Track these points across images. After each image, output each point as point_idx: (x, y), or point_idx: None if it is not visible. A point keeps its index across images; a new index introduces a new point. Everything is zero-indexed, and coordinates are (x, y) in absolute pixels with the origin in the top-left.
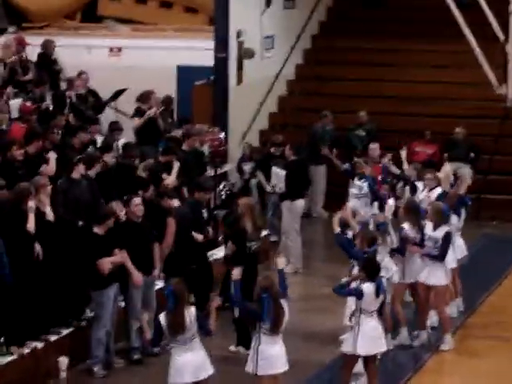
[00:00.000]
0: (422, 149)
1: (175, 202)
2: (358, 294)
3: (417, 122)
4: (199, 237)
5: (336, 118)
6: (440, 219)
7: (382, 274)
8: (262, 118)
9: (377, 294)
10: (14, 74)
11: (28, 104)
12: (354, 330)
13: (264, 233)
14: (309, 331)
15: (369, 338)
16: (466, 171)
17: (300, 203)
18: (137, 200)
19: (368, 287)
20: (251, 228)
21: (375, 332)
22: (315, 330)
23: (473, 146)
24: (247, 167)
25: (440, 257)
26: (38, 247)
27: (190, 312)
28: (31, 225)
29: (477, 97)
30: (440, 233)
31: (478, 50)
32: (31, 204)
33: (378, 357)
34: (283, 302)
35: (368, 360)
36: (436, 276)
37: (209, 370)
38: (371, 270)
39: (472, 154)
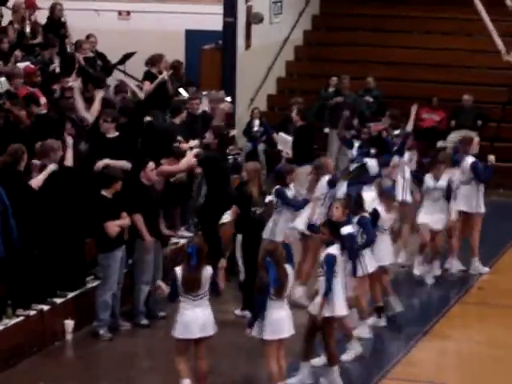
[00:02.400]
0: (429, 115)
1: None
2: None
3: (424, 88)
4: None
5: (343, 84)
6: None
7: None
8: (270, 82)
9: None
10: (23, 37)
11: (31, 66)
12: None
13: (270, 198)
14: None
15: (338, 300)
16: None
17: (307, 169)
18: (152, 165)
19: (334, 249)
20: (257, 193)
21: (342, 294)
22: None
23: (480, 113)
24: (256, 132)
25: None
26: None
27: (207, 270)
28: (38, 183)
29: (485, 64)
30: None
31: (486, 18)
32: (36, 162)
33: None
34: (288, 267)
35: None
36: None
37: (213, 329)
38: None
39: (479, 122)
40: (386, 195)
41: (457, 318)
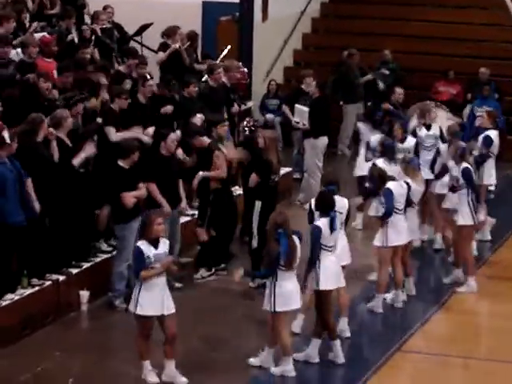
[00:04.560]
0: (446, 88)
1: (205, 138)
2: (316, 230)
3: (441, 61)
4: None
5: (360, 57)
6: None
7: None
8: (287, 55)
9: (331, 230)
10: (43, 8)
11: (48, 36)
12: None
13: (287, 169)
14: None
15: (330, 273)
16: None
17: (323, 140)
18: (173, 136)
19: (322, 222)
20: (275, 161)
21: (336, 267)
22: None
23: (496, 87)
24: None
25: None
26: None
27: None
28: (79, 161)
29: (500, 38)
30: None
31: None
32: (52, 131)
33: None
34: (295, 239)
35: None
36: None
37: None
38: (325, 204)
39: (496, 95)
40: (413, 169)
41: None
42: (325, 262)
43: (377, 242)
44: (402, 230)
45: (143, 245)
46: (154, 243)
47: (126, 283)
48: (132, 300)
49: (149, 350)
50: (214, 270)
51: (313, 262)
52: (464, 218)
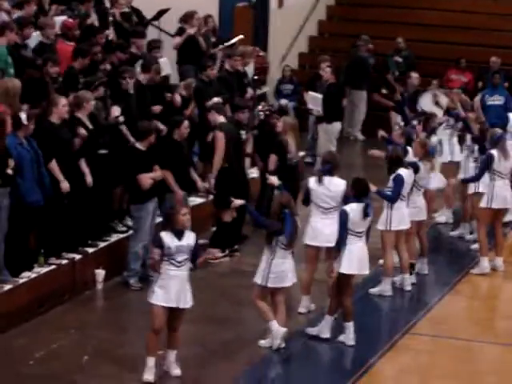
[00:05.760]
0: (458, 76)
1: (221, 118)
2: (343, 215)
3: (453, 50)
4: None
5: (374, 44)
6: None
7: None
8: (302, 41)
9: (364, 215)
10: None
11: (70, 20)
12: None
13: (301, 153)
14: None
15: (354, 258)
16: None
17: (337, 126)
18: (187, 122)
19: (351, 207)
20: (293, 144)
21: (361, 253)
22: None
23: (507, 75)
24: (286, 89)
25: None
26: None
27: None
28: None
29: None
30: None
31: None
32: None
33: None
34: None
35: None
36: None
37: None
38: (359, 190)
39: (506, 84)
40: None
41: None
42: (351, 246)
43: (380, 225)
44: (405, 215)
45: (166, 235)
46: (179, 235)
47: (141, 263)
48: (149, 289)
49: (157, 346)
50: (227, 251)
51: (339, 245)
52: (482, 201)
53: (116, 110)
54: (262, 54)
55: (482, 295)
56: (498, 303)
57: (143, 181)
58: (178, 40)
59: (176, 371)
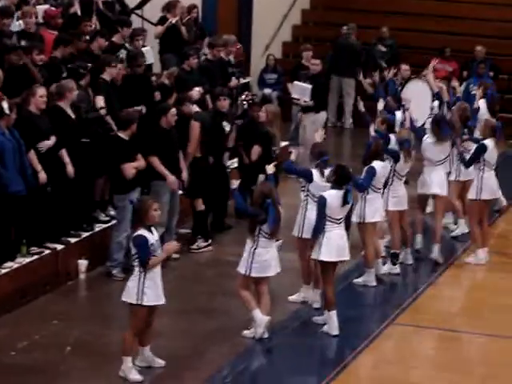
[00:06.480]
0: (443, 66)
1: (195, 108)
2: (321, 200)
3: (437, 39)
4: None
5: (358, 33)
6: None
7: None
8: (286, 30)
9: (343, 203)
10: None
11: (53, 9)
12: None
13: (284, 143)
14: None
15: (334, 245)
16: None
17: (323, 115)
18: (174, 110)
19: (330, 193)
20: (278, 134)
21: (340, 240)
22: None
23: (492, 65)
24: (269, 78)
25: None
26: (49, 142)
27: None
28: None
29: (498, 17)
30: None
31: None
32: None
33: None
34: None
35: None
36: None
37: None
38: (341, 177)
39: (491, 73)
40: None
41: (467, 266)
42: (329, 233)
43: (355, 218)
44: (379, 208)
45: (144, 232)
46: (150, 230)
47: (124, 253)
48: (132, 291)
49: (135, 346)
50: (210, 241)
51: (316, 232)
52: (471, 193)
53: (100, 100)
54: (239, 46)
55: (467, 286)
56: (483, 294)
57: (127, 170)
58: (160, 29)
59: (160, 361)
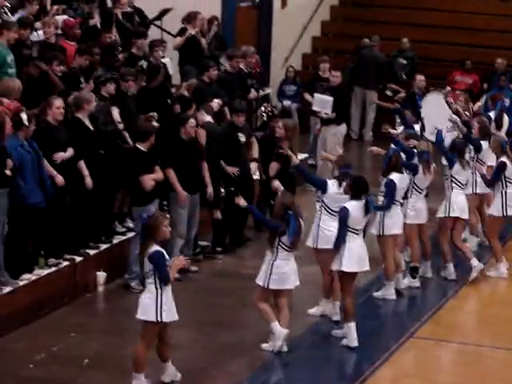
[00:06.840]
0: (463, 78)
1: (207, 117)
2: (343, 212)
3: (458, 51)
4: (230, 169)
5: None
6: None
7: None
8: (305, 42)
9: (366, 213)
10: None
11: (71, 19)
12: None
13: (303, 155)
14: None
15: (355, 255)
16: None
17: (344, 127)
18: (193, 121)
19: (351, 205)
20: (295, 149)
21: (360, 250)
22: None
23: None
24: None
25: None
26: (65, 154)
27: None
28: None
29: None
30: None
31: None
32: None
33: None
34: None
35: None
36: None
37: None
38: (358, 189)
39: (511, 86)
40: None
41: (488, 279)
42: (351, 244)
43: (374, 230)
44: (398, 220)
45: (160, 248)
46: (162, 245)
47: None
48: (151, 309)
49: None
50: (220, 249)
51: (338, 243)
52: (495, 210)
53: (115, 112)
54: (256, 57)
55: (488, 299)
56: (503, 308)
57: (146, 182)
58: (179, 40)
59: (179, 374)
